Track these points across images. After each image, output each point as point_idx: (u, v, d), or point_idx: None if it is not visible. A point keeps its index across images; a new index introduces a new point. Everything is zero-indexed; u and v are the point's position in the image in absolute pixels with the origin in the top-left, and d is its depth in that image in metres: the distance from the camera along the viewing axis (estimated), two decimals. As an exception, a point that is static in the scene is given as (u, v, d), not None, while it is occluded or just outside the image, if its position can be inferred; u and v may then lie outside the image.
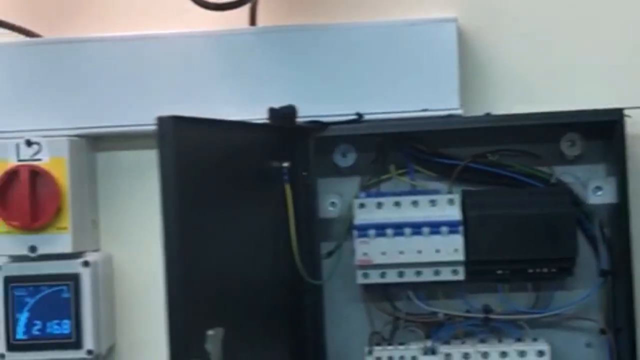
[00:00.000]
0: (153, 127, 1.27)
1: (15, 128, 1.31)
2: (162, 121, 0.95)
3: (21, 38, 1.33)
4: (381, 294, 1.31)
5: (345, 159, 1.31)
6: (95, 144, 1.35)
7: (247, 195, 1.11)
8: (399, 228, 1.25)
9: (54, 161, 1.27)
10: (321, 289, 1.25)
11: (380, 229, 1.25)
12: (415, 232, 1.25)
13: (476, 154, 1.29)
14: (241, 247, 1.10)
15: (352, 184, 1.31)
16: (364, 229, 1.25)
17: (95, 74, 1.31)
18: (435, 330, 1.29)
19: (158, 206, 1.34)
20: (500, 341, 1.27)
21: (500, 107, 1.29)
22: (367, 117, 1.27)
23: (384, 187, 1.32)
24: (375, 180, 1.31)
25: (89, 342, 1.27)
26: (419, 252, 1.25)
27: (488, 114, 1.28)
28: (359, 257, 1.26)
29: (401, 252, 1.25)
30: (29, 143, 1.27)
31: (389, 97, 1.28)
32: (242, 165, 1.11)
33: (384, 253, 1.25)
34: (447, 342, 1.28)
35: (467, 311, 1.29)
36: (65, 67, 1.31)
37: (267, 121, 1.20)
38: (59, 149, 1.27)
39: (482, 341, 1.28)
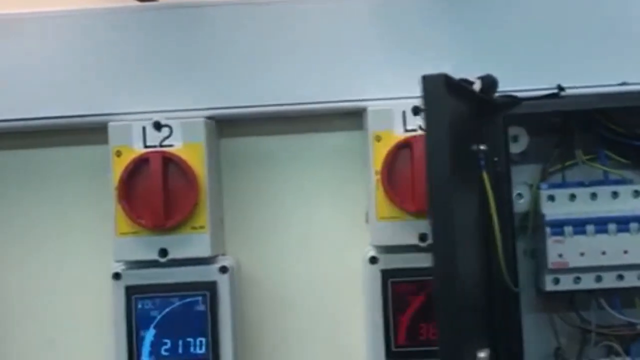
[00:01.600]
0: (290, 108, 1.07)
1: (133, 109, 1.08)
2: (430, 80, 0.72)
3: (136, 3, 1.10)
4: (566, 302, 1.10)
5: (517, 143, 1.10)
6: (220, 127, 1.12)
7: (462, 182, 0.90)
8: (601, 224, 1.04)
9: (189, 147, 1.06)
10: (518, 298, 1.04)
11: (579, 225, 1.04)
12: (620, 228, 1.04)
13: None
14: (467, 246, 0.88)
15: (529, 172, 1.10)
16: (558, 226, 1.05)
17: (220, 44, 1.09)
18: (635, 345, 1.08)
19: (287, 202, 1.15)
20: None
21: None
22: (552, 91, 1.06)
23: (568, 176, 1.09)
24: (558, 167, 1.09)
25: (227, 363, 1.05)
26: (625, 252, 1.05)
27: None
28: (552, 260, 1.05)
29: (603, 253, 1.04)
30: (157, 126, 1.05)
31: (580, 68, 1.08)
32: (460, 145, 0.89)
33: (582, 254, 1.05)
34: (646, 359, 1.07)
35: (671, 322, 1.08)
36: (184, 37, 1.10)
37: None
38: (195, 132, 1.05)
39: (689, 356, 1.07)
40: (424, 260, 1.04)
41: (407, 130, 1.05)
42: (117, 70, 1.08)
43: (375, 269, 1.06)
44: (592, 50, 1.09)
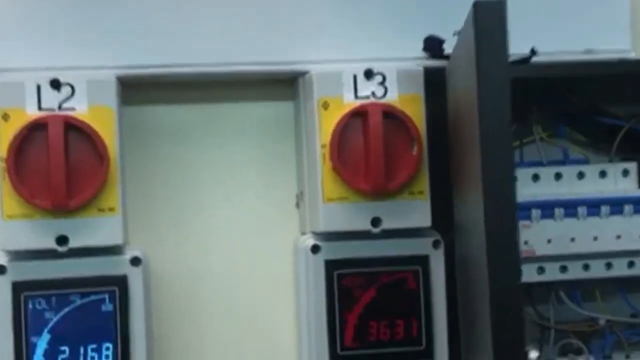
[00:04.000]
0: (215, 70, 0.91)
1: (24, 64, 0.88)
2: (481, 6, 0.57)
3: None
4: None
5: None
6: (123, 92, 0.93)
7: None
8: (571, 207, 0.93)
9: (97, 111, 0.86)
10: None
11: (548, 208, 0.93)
12: (590, 212, 0.93)
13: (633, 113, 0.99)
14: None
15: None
16: (525, 209, 0.92)
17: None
18: (597, 342, 0.97)
19: (203, 183, 0.98)
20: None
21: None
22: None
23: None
24: (516, 145, 0.98)
25: (140, 373, 0.87)
26: (595, 239, 0.93)
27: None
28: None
29: (572, 240, 0.93)
30: (56, 84, 0.85)
31: (541, 33, 0.95)
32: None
33: (549, 241, 0.92)
34: (608, 357, 0.97)
35: (633, 315, 0.98)
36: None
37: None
38: (104, 93, 0.86)
39: (651, 353, 0.98)
40: (374, 249, 0.89)
41: (357, 97, 0.89)
42: (5, 16, 0.87)
43: (318, 260, 0.90)
44: (553, 15, 0.96)
